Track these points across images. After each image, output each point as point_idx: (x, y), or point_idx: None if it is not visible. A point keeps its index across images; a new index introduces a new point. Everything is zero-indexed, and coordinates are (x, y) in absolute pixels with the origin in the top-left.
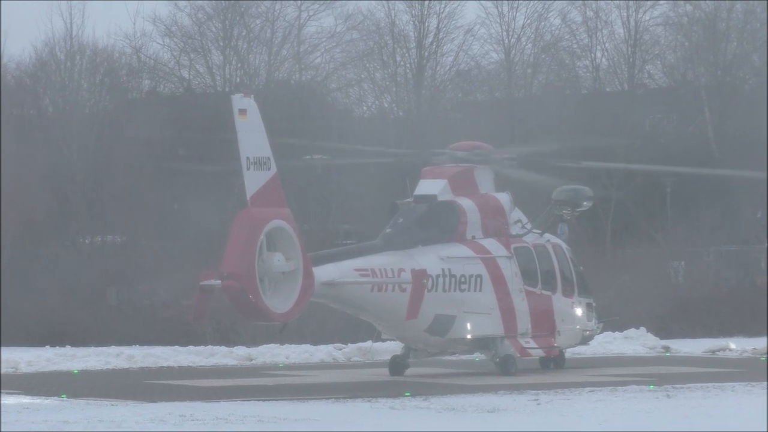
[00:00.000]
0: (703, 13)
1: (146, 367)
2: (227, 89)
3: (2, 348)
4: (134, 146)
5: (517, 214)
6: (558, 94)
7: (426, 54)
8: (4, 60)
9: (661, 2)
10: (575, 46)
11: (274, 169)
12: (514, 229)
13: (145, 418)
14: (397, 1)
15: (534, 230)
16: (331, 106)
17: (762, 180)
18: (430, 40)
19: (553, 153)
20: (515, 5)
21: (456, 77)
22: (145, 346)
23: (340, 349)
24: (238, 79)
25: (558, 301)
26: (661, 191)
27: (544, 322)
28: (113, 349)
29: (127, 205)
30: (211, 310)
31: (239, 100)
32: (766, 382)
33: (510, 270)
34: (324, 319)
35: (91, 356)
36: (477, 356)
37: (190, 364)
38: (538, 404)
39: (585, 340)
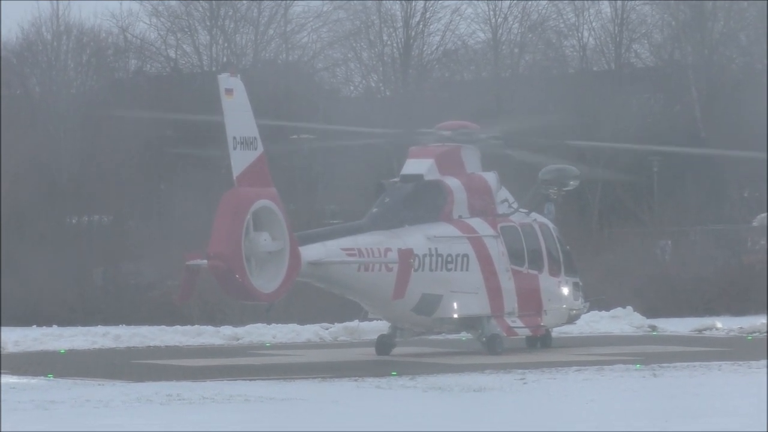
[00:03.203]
0: None
1: (133, 347)
2: (214, 69)
3: None
4: (121, 126)
5: (503, 193)
6: (545, 73)
7: (413, 33)
8: None
9: None
10: (562, 25)
11: (260, 149)
12: (501, 209)
13: (132, 398)
14: None
15: (521, 209)
16: (317, 86)
17: (754, 159)
18: (417, 19)
19: (539, 132)
20: None
21: (443, 57)
22: (132, 326)
23: (327, 329)
24: (224, 59)
25: (545, 280)
26: (648, 171)
27: (531, 302)
28: (100, 329)
29: (114, 186)
30: (197, 290)
31: (226, 80)
32: (752, 361)
33: (497, 249)
34: (310, 299)
35: (77, 336)
36: (464, 335)
37: (177, 344)
38: (524, 383)
39: (572, 320)
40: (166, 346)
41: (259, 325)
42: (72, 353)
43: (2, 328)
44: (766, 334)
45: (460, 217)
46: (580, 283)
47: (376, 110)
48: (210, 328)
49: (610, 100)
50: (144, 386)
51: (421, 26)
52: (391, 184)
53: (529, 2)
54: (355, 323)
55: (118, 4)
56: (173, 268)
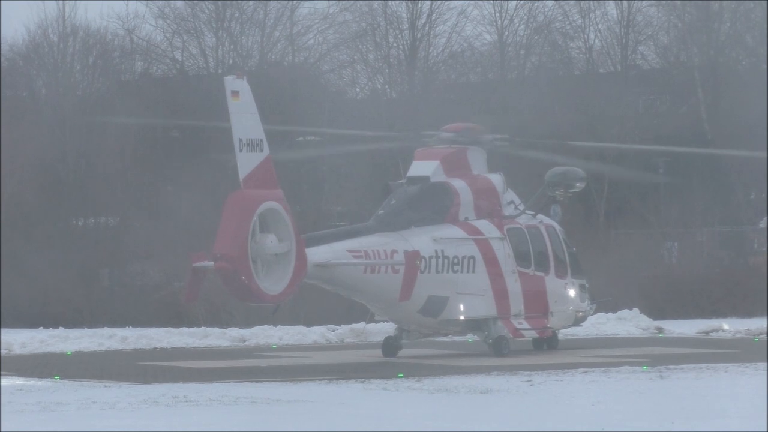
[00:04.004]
0: None
1: (139, 349)
2: (220, 71)
3: None
4: (127, 128)
5: (509, 195)
6: (551, 75)
7: (419, 35)
8: None
9: None
10: (568, 27)
11: (266, 151)
12: (507, 210)
13: (139, 400)
14: None
15: (527, 211)
16: (324, 88)
17: (758, 159)
18: (423, 21)
19: (545, 135)
20: None
21: (449, 59)
22: (139, 328)
23: (333, 331)
24: (230, 61)
25: (551, 282)
26: (654, 172)
27: (537, 303)
28: (106, 331)
29: (120, 187)
30: (203, 291)
31: (232, 82)
32: (759, 363)
33: (503, 251)
34: (317, 301)
35: (84, 338)
36: (470, 337)
37: (184, 346)
38: (531, 385)
39: (578, 321)
40: (173, 347)
41: (266, 326)
42: (78, 355)
43: (10, 330)
44: (766, 336)
45: (466, 218)
46: (587, 285)
47: (382, 112)
48: (216, 330)
49: (616, 101)
50: (150, 388)
51: (427, 28)
52: (398, 185)
53: (535, 4)
54: (361, 325)
55: (124, 6)
56: (179, 269)
